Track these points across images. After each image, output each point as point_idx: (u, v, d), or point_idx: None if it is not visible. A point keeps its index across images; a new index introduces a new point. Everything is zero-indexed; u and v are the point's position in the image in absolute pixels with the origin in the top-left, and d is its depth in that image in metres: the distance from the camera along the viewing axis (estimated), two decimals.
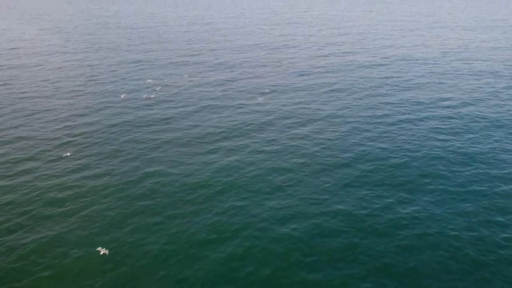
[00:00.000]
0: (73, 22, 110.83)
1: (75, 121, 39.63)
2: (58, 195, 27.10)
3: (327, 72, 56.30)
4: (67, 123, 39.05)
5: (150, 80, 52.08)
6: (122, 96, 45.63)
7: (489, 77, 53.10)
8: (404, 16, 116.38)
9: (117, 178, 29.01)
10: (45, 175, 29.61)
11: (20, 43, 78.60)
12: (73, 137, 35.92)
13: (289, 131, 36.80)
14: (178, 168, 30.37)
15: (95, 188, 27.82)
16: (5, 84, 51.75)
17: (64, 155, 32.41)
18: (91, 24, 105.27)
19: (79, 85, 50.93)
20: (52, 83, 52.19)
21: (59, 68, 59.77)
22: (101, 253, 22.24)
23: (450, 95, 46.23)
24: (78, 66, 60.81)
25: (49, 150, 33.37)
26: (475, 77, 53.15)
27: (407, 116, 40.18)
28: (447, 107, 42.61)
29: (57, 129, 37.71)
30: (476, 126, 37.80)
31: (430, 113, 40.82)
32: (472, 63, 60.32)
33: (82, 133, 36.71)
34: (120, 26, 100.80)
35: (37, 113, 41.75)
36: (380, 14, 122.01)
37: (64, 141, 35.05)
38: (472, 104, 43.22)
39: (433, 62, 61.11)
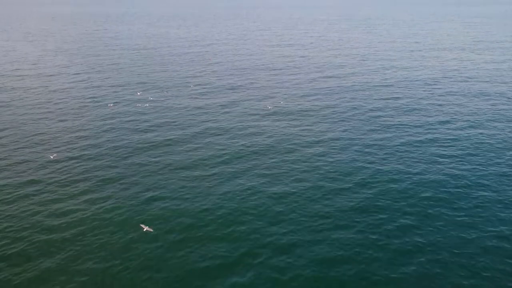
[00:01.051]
0: (76, 43, 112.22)
1: (77, 143, 39.67)
2: (58, 220, 26.89)
3: (328, 93, 56.65)
4: (69, 146, 39.08)
5: (147, 105, 52.41)
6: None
7: (490, 99, 53.37)
8: (403, 38, 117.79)
9: (120, 202, 28.83)
10: (47, 200, 29.44)
11: (24, 65, 79.38)
12: (75, 160, 35.89)
13: (291, 154, 36.76)
14: (180, 192, 30.22)
15: (97, 213, 27.62)
16: (8, 106, 52.02)
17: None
18: (94, 45, 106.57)
19: (82, 107, 51.19)
20: (55, 104, 52.48)
21: (62, 89, 60.21)
22: (144, 230, 23.99)
23: (451, 117, 46.37)
24: (82, 87, 61.24)
25: (51, 172, 33.28)
26: (475, 99, 53.42)
27: (409, 138, 40.21)
28: (449, 128, 42.69)
29: (59, 151, 37.72)
30: (480, 149, 37.77)
31: (433, 135, 40.85)
32: (472, 84, 60.71)
33: (84, 156, 36.70)
34: (123, 47, 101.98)
35: (39, 134, 41.83)
36: (379, 35, 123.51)
37: (66, 164, 35.02)
38: (474, 126, 43.30)
39: (434, 83, 61.53)
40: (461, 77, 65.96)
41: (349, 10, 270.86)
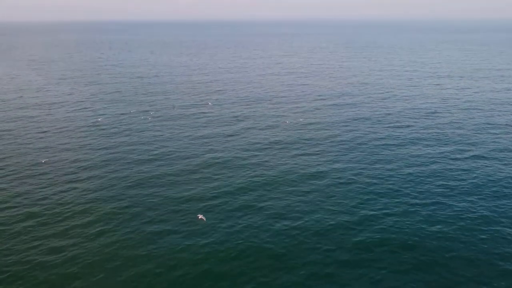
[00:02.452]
0: (80, 70, 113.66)
1: (79, 174, 39.41)
2: (56, 256, 26.35)
3: (331, 123, 56.72)
4: (72, 176, 38.81)
5: (150, 134, 52.45)
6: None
7: (492, 128, 53.39)
8: (402, 65, 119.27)
9: (120, 236, 28.34)
10: (50, 234, 28.93)
11: (27, 92, 79.99)
12: (77, 190, 35.55)
13: (295, 185, 36.42)
14: (182, 226, 29.75)
15: (103, 251, 27.09)
16: (11, 134, 52.05)
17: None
18: (97, 73, 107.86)
19: (84, 137, 51.17)
20: (57, 133, 52.52)
21: (64, 118, 60.39)
22: (199, 218, 25.51)
23: (454, 147, 46.23)
24: (84, 117, 61.45)
25: (52, 203, 32.88)
26: (477, 128, 53.45)
27: (414, 169, 39.91)
28: (453, 159, 42.48)
29: (60, 182, 37.41)
30: (486, 185, 37.44)
31: (436, 166, 40.59)
32: (473, 114, 60.89)
33: (86, 187, 36.37)
34: (125, 75, 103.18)
35: (40, 165, 41.63)
36: (379, 63, 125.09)
37: (67, 195, 34.66)
38: (479, 157, 43.11)
39: (434, 112, 61.65)
40: (462, 106, 66.26)
41: (348, 38, 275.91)
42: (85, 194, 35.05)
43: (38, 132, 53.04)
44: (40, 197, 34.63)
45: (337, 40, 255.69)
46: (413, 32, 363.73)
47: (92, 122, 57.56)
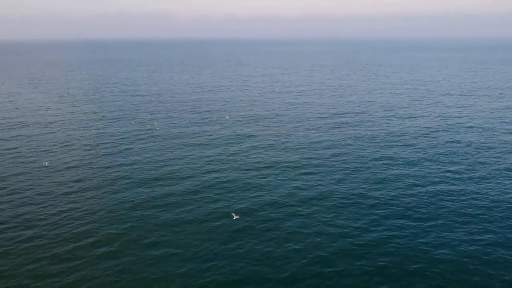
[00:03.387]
0: (81, 88, 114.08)
1: (79, 195, 38.92)
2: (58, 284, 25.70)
3: (333, 143, 56.44)
4: (73, 196, 38.32)
5: (152, 154, 52.14)
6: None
7: (493, 148, 53.09)
8: (402, 84, 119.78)
9: (125, 260, 27.72)
10: (51, 256, 28.30)
11: (29, 111, 79.97)
12: (78, 212, 35.01)
13: (299, 209, 35.93)
14: (183, 249, 29.16)
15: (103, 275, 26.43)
16: (12, 153, 51.70)
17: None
18: (99, 91, 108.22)
19: (85, 155, 50.81)
20: (58, 152, 52.18)
21: (66, 136, 60.14)
22: (234, 218, 26.05)
23: (457, 167, 45.87)
24: (86, 135, 61.21)
25: (52, 223, 32.29)
26: (478, 148, 53.16)
27: (416, 190, 39.48)
28: (457, 179, 42.06)
29: (61, 202, 36.88)
30: (489, 212, 36.95)
31: (441, 187, 40.16)
32: (474, 133, 60.69)
33: (87, 208, 35.84)
34: (127, 93, 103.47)
35: (41, 184, 41.16)
36: (379, 82, 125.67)
37: (67, 216, 34.11)
38: (482, 178, 42.70)
39: (436, 131, 61.41)
40: (463, 125, 66.09)
41: (348, 56, 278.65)
42: (86, 215, 34.52)
43: (39, 151, 52.69)
44: (40, 217, 34.13)
45: (337, 58, 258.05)
46: (412, 51, 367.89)
47: (94, 141, 57.31)
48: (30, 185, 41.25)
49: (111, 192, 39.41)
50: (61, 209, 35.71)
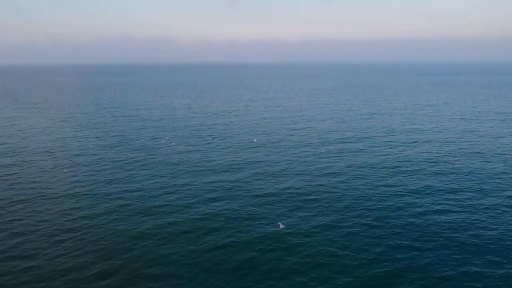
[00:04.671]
0: (83, 112, 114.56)
1: (79, 223, 38.21)
2: None
3: (336, 170, 55.99)
4: (72, 224, 37.58)
5: (155, 181, 51.61)
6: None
7: (496, 176, 52.59)
8: (403, 109, 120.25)
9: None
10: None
11: (31, 135, 79.94)
12: (76, 242, 34.25)
13: (300, 241, 35.16)
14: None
15: None
16: (9, 180, 51.21)
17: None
18: (100, 115, 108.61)
19: (86, 181, 50.27)
20: (58, 179, 51.69)
21: (67, 163, 59.75)
22: (280, 227, 27.00)
23: (462, 196, 45.27)
24: (87, 162, 60.81)
25: (50, 254, 31.50)
26: (482, 177, 52.64)
27: (422, 220, 38.76)
28: (461, 207, 41.38)
29: (60, 231, 36.15)
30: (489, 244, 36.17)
31: (446, 219, 39.46)
32: (477, 161, 60.29)
33: (87, 240, 35.07)
34: (129, 117, 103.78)
35: (40, 211, 40.50)
36: (379, 106, 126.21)
37: (67, 246, 33.34)
38: (489, 207, 42.03)
39: (438, 160, 60.99)
40: (466, 151, 65.78)
41: (347, 79, 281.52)
42: (86, 245, 33.73)
43: (39, 178, 52.19)
44: (37, 246, 33.33)
45: (336, 82, 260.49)
46: (411, 74, 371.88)
47: (95, 167, 56.88)
48: (28, 212, 40.56)
49: (112, 220, 38.70)
50: (60, 238, 34.95)
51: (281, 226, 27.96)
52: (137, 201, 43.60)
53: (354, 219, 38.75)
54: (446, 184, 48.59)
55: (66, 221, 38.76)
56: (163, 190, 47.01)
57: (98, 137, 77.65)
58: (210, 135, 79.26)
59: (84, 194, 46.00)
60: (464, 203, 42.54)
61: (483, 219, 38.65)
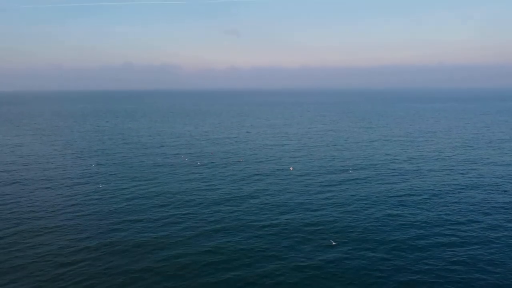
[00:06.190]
0: (85, 139, 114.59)
1: (79, 256, 37.35)
2: None
3: (338, 201, 55.31)
4: (72, 256, 36.75)
5: (157, 210, 50.95)
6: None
7: (502, 211, 51.86)
8: (404, 136, 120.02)
9: None
10: None
11: (32, 161, 79.59)
12: (77, 274, 33.31)
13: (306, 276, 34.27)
14: None
15: None
16: (8, 211, 50.52)
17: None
18: (103, 141, 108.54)
19: (86, 211, 49.55)
20: (58, 211, 51.00)
21: (67, 193, 59.18)
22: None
23: (466, 227, 44.45)
24: (88, 191, 60.23)
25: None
26: (485, 210, 51.90)
27: (429, 254, 37.90)
28: (467, 243, 40.54)
29: (58, 264, 35.29)
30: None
31: (451, 255, 38.60)
32: (478, 189, 59.59)
33: (85, 274, 34.18)
34: (131, 144, 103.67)
35: (38, 246, 39.67)
36: (380, 134, 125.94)
37: (65, 277, 32.42)
38: (495, 241, 41.20)
39: (440, 193, 60.17)
40: (470, 181, 65.11)
41: (348, 106, 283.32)
42: (85, 279, 32.80)
43: (39, 208, 51.47)
44: (38, 279, 32.37)
45: (337, 109, 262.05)
46: (411, 102, 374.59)
47: (96, 196, 56.25)
48: (27, 245, 39.73)
49: (113, 254, 37.83)
50: (57, 272, 34.06)
51: (333, 243, 33.07)
52: (138, 234, 42.70)
53: (361, 252, 37.88)
54: (449, 215, 47.83)
55: (67, 253, 37.91)
56: (165, 221, 46.24)
57: (99, 164, 77.26)
58: (212, 162, 78.88)
59: (84, 225, 45.22)
60: (472, 234, 41.69)
61: (488, 257, 37.77)
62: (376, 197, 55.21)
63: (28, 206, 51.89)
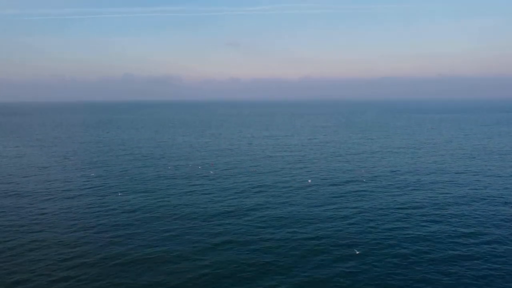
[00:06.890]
0: (85, 150, 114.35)
1: (77, 272, 36.73)
2: None
3: (340, 215, 54.76)
4: (71, 271, 36.14)
5: (158, 223, 50.43)
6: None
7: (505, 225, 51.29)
8: (405, 147, 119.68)
9: None
10: None
11: (32, 172, 79.24)
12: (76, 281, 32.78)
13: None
14: None
15: None
16: (6, 226, 49.98)
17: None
18: (103, 152, 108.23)
19: (87, 224, 48.99)
20: (57, 225, 50.46)
21: (67, 206, 58.68)
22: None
23: (469, 240, 43.88)
24: (88, 205, 59.73)
25: None
26: (488, 223, 51.35)
27: (427, 268, 37.31)
28: (472, 257, 39.93)
29: (57, 279, 34.66)
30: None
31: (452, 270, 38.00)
32: (485, 206, 59.06)
33: (84, 275, 33.61)
34: (131, 155, 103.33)
35: (36, 262, 39.06)
36: (381, 146, 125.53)
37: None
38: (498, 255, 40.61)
39: (443, 207, 59.60)
40: (477, 193, 64.59)
41: (348, 117, 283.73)
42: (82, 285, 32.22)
43: (37, 222, 50.93)
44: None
45: (337, 119, 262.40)
46: (411, 112, 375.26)
47: (96, 209, 55.73)
48: (26, 259, 39.15)
49: (113, 268, 37.22)
50: (57, 286, 33.47)
51: (357, 253, 36.14)
52: (138, 249, 42.03)
53: (366, 266, 37.28)
54: (454, 228, 47.26)
55: (66, 267, 37.34)
56: (166, 235, 45.64)
57: (99, 176, 76.82)
58: (214, 174, 78.43)
59: (84, 238, 44.65)
60: (476, 249, 41.11)
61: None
62: (380, 210, 54.65)
63: (28, 218, 51.35)
